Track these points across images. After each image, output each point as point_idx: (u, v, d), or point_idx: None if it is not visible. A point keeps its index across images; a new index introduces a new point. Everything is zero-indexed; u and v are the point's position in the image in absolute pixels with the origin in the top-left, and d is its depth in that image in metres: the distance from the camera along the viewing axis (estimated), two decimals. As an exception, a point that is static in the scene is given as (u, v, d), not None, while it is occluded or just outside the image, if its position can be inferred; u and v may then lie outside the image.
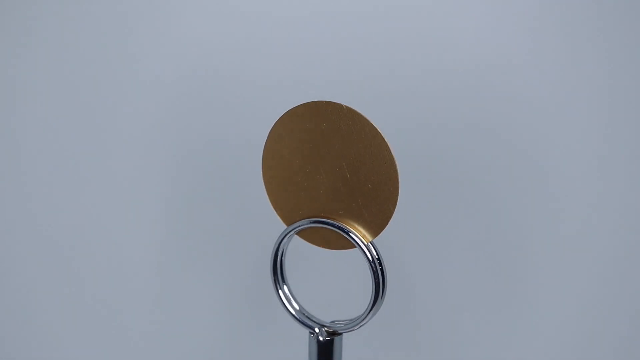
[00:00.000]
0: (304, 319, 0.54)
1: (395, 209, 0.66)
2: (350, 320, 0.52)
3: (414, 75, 0.65)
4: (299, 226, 0.53)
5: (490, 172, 0.66)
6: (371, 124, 0.50)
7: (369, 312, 0.51)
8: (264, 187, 0.59)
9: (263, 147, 0.52)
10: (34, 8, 0.63)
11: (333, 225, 0.51)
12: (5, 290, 0.68)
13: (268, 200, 0.54)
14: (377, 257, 0.50)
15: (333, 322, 0.54)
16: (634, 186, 0.66)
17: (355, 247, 0.51)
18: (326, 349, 0.53)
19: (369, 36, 0.65)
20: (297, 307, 0.54)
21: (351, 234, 0.51)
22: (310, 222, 0.52)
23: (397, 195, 0.50)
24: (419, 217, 0.68)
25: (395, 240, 0.69)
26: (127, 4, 0.64)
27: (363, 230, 0.51)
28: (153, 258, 0.68)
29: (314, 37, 0.66)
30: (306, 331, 0.54)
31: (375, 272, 0.50)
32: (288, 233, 0.53)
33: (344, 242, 0.52)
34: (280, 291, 0.54)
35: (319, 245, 0.54)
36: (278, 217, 0.54)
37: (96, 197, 0.67)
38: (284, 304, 0.54)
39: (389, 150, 0.50)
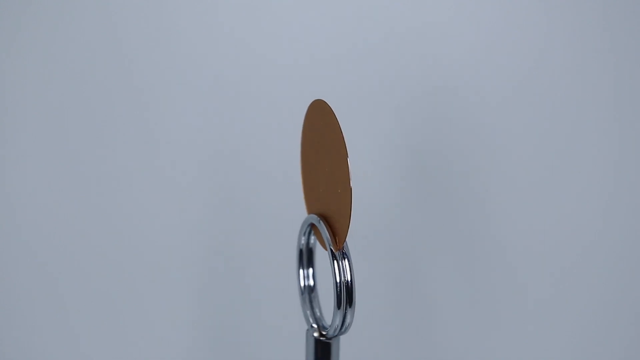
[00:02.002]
0: (307, 312, 0.54)
1: (393, 219, 0.68)
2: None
3: (416, 88, 0.66)
4: (306, 221, 0.53)
5: (487, 178, 0.67)
6: (339, 130, 0.48)
7: (334, 323, 0.50)
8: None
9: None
10: (57, 26, 0.64)
11: (320, 225, 0.51)
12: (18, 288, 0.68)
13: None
14: (340, 266, 0.49)
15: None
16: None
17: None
18: (322, 349, 0.53)
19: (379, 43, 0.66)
20: (308, 298, 0.55)
21: (327, 237, 0.50)
22: (309, 218, 0.52)
23: (349, 207, 0.48)
24: (412, 222, 0.68)
25: (392, 243, 0.68)
26: (155, 16, 0.65)
27: (337, 237, 0.50)
28: (153, 257, 0.69)
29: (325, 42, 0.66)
30: (304, 330, 0.54)
31: (336, 283, 0.49)
32: (303, 226, 0.54)
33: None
34: (301, 274, 0.55)
35: (321, 244, 0.53)
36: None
37: (107, 197, 0.68)
38: (302, 288, 0.55)
39: (347, 161, 0.47)
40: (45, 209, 0.66)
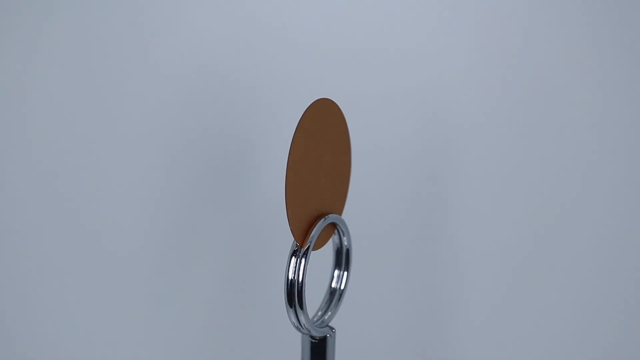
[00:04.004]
0: (319, 313, 0.53)
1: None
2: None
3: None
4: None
5: (483, 178, 0.67)
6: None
7: (291, 320, 0.48)
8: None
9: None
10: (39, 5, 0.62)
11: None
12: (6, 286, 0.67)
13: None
14: (295, 263, 0.48)
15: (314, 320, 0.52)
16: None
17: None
18: (319, 348, 0.51)
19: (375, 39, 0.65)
20: (328, 299, 0.53)
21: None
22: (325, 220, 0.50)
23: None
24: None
25: (389, 242, 0.67)
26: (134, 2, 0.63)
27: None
28: (147, 256, 0.67)
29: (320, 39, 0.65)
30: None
31: (287, 279, 0.47)
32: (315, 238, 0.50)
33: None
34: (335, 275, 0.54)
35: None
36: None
37: (93, 193, 0.66)
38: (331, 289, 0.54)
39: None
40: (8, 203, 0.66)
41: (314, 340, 0.51)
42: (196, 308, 0.68)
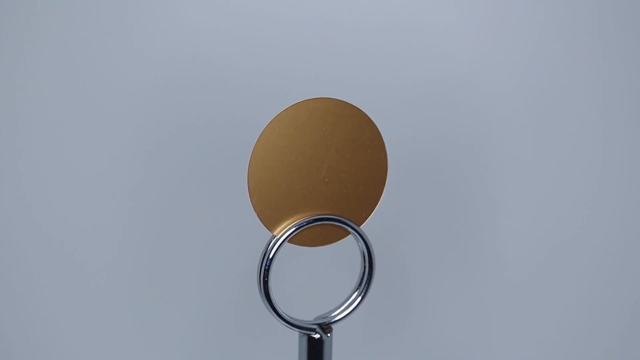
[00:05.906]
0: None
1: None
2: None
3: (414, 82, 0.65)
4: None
5: (482, 173, 0.67)
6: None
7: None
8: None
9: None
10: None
11: (336, 220, 0.51)
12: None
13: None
14: (270, 245, 0.50)
15: (317, 318, 0.52)
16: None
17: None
18: (316, 348, 0.52)
19: (371, 34, 0.65)
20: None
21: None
22: (315, 220, 0.51)
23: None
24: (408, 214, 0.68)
25: (386, 240, 0.67)
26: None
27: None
28: (141, 256, 0.65)
29: (312, 36, 0.64)
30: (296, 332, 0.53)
31: (262, 257, 0.50)
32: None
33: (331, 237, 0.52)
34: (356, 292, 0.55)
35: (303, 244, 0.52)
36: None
37: (75, 193, 0.63)
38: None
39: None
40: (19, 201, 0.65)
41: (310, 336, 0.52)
42: (194, 307, 0.69)
